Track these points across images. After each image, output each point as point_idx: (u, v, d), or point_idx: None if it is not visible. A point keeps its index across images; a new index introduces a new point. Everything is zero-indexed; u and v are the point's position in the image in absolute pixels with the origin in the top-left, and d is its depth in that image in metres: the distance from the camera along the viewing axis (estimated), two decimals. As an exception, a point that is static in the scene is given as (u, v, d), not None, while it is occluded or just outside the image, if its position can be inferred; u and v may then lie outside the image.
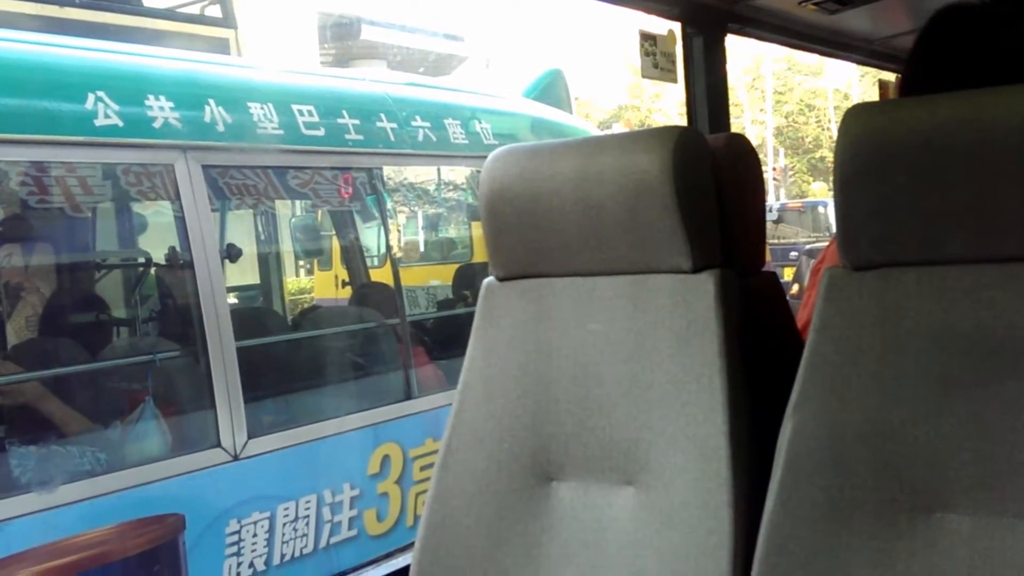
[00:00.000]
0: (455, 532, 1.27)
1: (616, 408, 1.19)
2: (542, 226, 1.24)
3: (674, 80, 2.27)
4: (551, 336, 1.25)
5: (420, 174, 5.16)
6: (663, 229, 1.16)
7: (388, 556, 3.72)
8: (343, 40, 14.98)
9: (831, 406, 1.02)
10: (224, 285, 3.61)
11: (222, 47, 5.57)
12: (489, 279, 1.34)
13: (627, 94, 27.82)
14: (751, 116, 27.08)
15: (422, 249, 8.08)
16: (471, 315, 1.34)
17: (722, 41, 2.20)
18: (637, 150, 1.17)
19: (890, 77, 3.01)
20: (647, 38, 2.22)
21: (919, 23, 1.37)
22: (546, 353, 1.25)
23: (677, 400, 1.14)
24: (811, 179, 27.56)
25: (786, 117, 28.33)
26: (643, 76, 2.27)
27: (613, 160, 1.18)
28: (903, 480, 0.98)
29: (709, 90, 2.17)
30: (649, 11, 2.15)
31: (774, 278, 1.34)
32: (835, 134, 1.05)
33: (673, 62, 2.24)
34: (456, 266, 5.97)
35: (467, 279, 5.35)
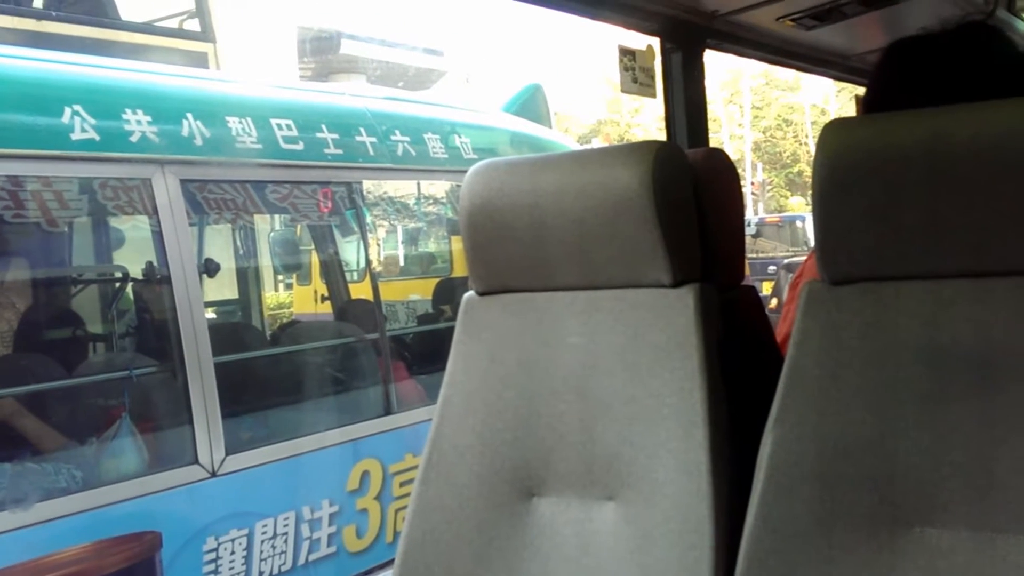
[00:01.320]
0: (436, 547, 1.26)
1: (597, 423, 1.18)
2: (522, 240, 1.24)
3: (653, 95, 2.28)
4: (532, 350, 1.25)
5: (400, 188, 5.15)
6: (643, 243, 1.16)
7: (368, 573, 3.70)
8: (323, 54, 14.97)
9: (811, 420, 1.02)
10: (202, 300, 3.58)
11: (201, 61, 5.54)
12: (469, 293, 1.33)
13: (606, 109, 27.95)
14: (729, 131, 27.26)
15: (402, 263, 8.07)
16: (451, 329, 1.34)
17: (701, 56, 2.21)
18: (617, 165, 1.17)
19: (866, 93, 3.03)
20: (626, 53, 2.23)
21: (895, 39, 1.38)
22: (527, 367, 1.25)
23: (658, 414, 1.14)
24: (789, 193, 27.76)
25: (764, 132, 28.54)
26: (622, 91, 2.28)
27: (593, 175, 1.18)
28: (883, 493, 0.98)
29: (688, 105, 2.18)
30: (628, 26, 2.16)
31: (753, 292, 1.34)
32: (812, 149, 1.06)
33: (652, 77, 2.25)
34: (436, 280, 5.96)
35: (447, 293, 5.34)
